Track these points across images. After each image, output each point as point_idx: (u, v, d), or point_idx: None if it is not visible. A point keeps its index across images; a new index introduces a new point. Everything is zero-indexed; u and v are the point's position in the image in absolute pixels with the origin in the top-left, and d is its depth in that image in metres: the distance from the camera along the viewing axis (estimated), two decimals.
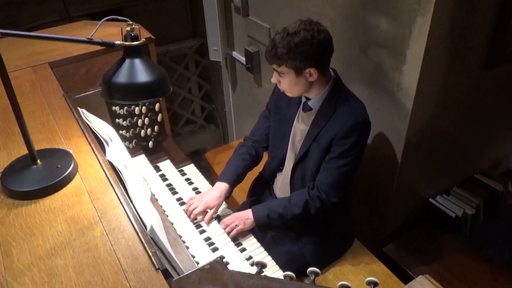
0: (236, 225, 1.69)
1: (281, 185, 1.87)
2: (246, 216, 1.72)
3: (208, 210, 1.73)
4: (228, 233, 1.69)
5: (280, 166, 1.86)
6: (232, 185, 1.80)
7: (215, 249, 1.63)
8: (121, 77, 1.23)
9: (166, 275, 1.03)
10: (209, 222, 1.72)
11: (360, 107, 1.62)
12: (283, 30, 1.52)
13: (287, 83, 1.57)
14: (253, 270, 1.55)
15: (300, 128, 1.72)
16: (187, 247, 1.57)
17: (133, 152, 2.08)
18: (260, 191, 2.01)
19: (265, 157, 1.96)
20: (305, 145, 1.69)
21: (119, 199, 1.22)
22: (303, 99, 1.69)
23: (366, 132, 1.63)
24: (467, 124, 2.03)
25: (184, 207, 1.78)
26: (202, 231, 1.70)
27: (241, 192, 2.11)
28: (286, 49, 1.48)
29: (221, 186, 1.77)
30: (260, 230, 1.80)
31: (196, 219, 1.73)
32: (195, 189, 1.91)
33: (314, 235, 1.80)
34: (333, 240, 1.86)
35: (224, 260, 1.53)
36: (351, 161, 1.62)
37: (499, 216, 2.26)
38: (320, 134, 1.64)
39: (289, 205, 1.70)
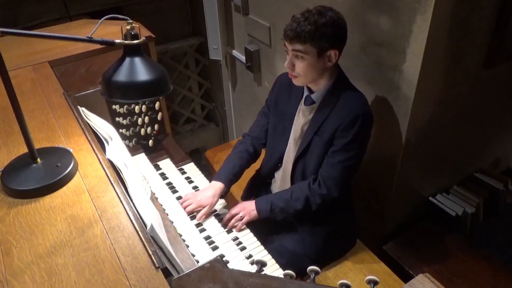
0: (241, 216, 1.70)
1: (281, 183, 1.87)
2: (251, 208, 1.73)
3: (201, 208, 1.73)
4: (232, 225, 1.70)
5: (278, 164, 1.86)
6: (228, 184, 1.80)
7: (215, 248, 1.63)
8: (121, 75, 1.23)
9: (166, 273, 1.03)
10: (202, 220, 1.73)
11: (361, 98, 1.62)
12: (305, 11, 1.51)
13: (305, 65, 1.54)
14: (253, 268, 1.54)
15: (301, 122, 1.71)
16: (187, 246, 1.58)
17: (133, 151, 2.08)
18: (257, 192, 1.99)
19: (262, 154, 1.95)
20: (307, 139, 1.68)
21: (119, 198, 1.22)
22: (306, 93, 1.68)
23: (368, 123, 1.62)
24: (467, 123, 2.02)
25: None
26: (202, 230, 1.70)
27: (240, 190, 2.11)
28: (314, 26, 1.47)
29: (216, 185, 1.77)
30: (263, 223, 1.80)
31: (193, 214, 1.74)
32: (195, 187, 1.91)
33: (317, 235, 1.80)
34: (336, 240, 1.86)
35: (224, 259, 1.53)
36: (355, 154, 1.62)
37: (499, 215, 2.26)
38: (322, 127, 1.63)
39: (290, 200, 1.70)
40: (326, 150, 1.65)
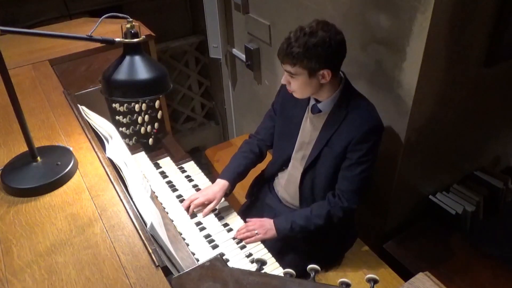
0: (257, 232, 1.67)
1: (286, 185, 1.86)
2: (269, 226, 1.70)
3: (207, 202, 1.73)
4: (246, 237, 1.67)
5: (283, 166, 1.85)
6: (233, 182, 1.80)
7: (215, 246, 1.63)
8: (121, 74, 1.23)
9: (166, 272, 1.03)
10: (206, 215, 1.73)
11: (373, 110, 1.61)
12: (299, 29, 1.48)
13: (298, 84, 1.54)
14: (253, 267, 1.55)
15: (309, 130, 1.71)
16: (187, 244, 1.58)
17: (133, 149, 2.08)
18: (259, 189, 2.00)
19: (269, 156, 1.95)
20: (316, 150, 1.67)
21: (119, 196, 1.22)
22: (312, 101, 1.67)
23: (381, 135, 1.62)
24: (467, 121, 2.03)
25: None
26: (202, 228, 1.70)
27: (242, 190, 2.11)
28: (302, 49, 1.44)
29: (221, 183, 1.78)
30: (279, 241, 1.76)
31: (194, 213, 1.74)
32: (195, 186, 1.91)
33: (318, 237, 1.79)
34: (338, 241, 1.86)
35: (224, 257, 1.54)
36: (370, 165, 1.62)
37: (499, 213, 2.26)
38: (333, 139, 1.62)
39: (311, 216, 1.68)
40: (336, 162, 1.64)
